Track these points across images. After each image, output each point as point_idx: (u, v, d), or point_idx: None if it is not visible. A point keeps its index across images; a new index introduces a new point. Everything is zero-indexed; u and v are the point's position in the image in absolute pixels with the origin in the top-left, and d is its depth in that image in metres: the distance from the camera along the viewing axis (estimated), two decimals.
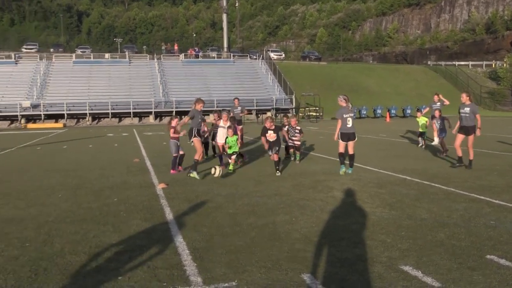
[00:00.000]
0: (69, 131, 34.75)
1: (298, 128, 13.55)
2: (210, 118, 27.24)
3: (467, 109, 11.75)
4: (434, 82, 58.73)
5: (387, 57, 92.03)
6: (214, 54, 61.94)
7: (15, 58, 51.00)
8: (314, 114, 44.12)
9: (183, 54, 58.33)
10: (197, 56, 59.51)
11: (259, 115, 44.60)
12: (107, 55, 56.28)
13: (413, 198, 8.35)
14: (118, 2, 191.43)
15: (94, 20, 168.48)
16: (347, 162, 11.39)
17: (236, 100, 19.25)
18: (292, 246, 5.69)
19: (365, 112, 45.78)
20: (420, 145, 17.13)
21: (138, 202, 8.45)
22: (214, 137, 14.31)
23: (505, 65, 62.74)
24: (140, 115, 45.09)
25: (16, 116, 41.46)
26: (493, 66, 67.62)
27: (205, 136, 12.63)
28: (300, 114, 45.11)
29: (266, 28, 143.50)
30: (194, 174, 10.94)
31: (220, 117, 14.07)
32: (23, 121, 41.80)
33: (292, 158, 13.76)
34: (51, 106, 43.07)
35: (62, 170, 12.93)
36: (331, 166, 12.57)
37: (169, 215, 7.39)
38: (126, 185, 10.32)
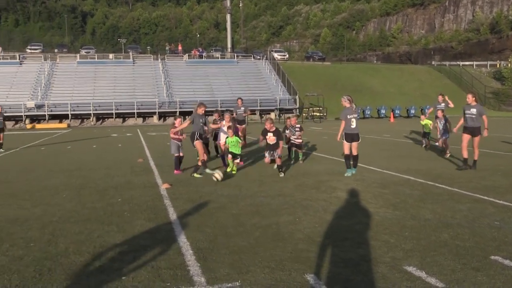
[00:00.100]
0: (73, 131, 34.83)
1: (298, 126, 13.46)
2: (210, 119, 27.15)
3: (473, 110, 11.57)
4: (438, 82, 58.58)
5: (391, 57, 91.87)
6: (218, 54, 61.92)
7: (19, 59, 51.18)
8: (318, 114, 44.07)
9: (187, 54, 58.39)
10: (201, 57, 59.55)
11: (262, 115, 44.58)
12: (111, 56, 56.35)
13: (417, 198, 8.33)
14: (122, 3, 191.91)
15: (98, 20, 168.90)
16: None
17: (240, 100, 19.27)
18: (296, 247, 5.69)
19: (369, 112, 45.71)
20: (424, 145, 17.09)
21: (142, 202, 8.47)
22: (216, 137, 14.32)
23: (509, 65, 62.54)
24: (144, 116, 45.15)
25: (21, 116, 41.59)
26: (498, 66, 67.38)
27: (207, 136, 12.58)
28: (304, 114, 45.09)
29: (270, 28, 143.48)
30: (208, 170, 11.36)
31: (220, 116, 14.12)
32: (27, 121, 41.94)
33: (292, 162, 13.40)
34: (55, 107, 43.21)
35: (66, 170, 12.97)
36: (335, 166, 12.57)
37: (173, 215, 7.40)
38: (130, 185, 10.34)
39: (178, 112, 42.95)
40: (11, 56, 53.35)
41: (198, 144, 11.46)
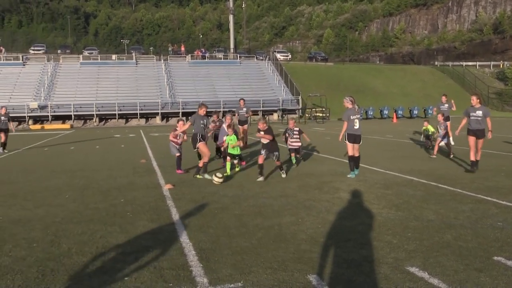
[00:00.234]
0: (76, 132, 34.90)
1: (297, 129, 13.26)
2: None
3: (479, 112, 11.32)
4: (441, 83, 58.49)
5: (394, 58, 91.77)
6: (220, 55, 61.98)
7: (22, 60, 51.32)
8: (321, 115, 44.04)
9: (189, 55, 58.42)
10: (203, 57, 59.59)
11: (265, 116, 44.57)
12: (114, 57, 56.44)
13: (420, 199, 8.32)
14: (125, 4, 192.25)
15: (101, 21, 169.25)
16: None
17: (242, 101, 19.29)
18: (298, 247, 5.69)
19: (371, 113, 45.65)
20: (428, 146, 17.06)
21: (145, 202, 8.48)
22: (216, 138, 14.31)
23: None
24: (147, 116, 45.20)
25: (24, 117, 41.69)
26: (501, 66, 67.21)
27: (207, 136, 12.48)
28: (307, 115, 45.07)
29: (273, 29, 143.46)
30: (207, 176, 10.99)
31: (218, 118, 14.14)
32: (30, 122, 42.06)
33: (294, 166, 13.03)
34: (58, 107, 43.29)
35: (69, 171, 12.99)
36: (337, 167, 12.56)
37: (176, 216, 7.41)
38: (133, 186, 10.36)
39: (180, 113, 43.04)
40: (14, 57, 53.48)
41: (201, 146, 11.40)
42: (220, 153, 14.32)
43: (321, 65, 63.25)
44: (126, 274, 4.92)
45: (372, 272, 4.85)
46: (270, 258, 5.33)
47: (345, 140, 11.08)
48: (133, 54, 57.27)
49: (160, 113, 44.88)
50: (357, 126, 10.93)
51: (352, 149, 11.06)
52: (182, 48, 69.46)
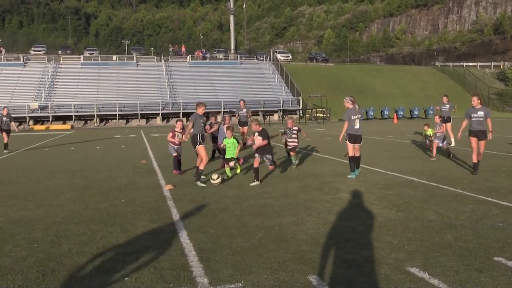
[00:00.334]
0: (77, 132, 34.92)
1: (295, 128, 13.01)
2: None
3: (480, 113, 11.15)
4: (442, 83, 58.47)
5: (395, 58, 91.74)
6: (221, 55, 61.99)
7: (23, 60, 51.38)
8: (321, 115, 44.04)
9: (190, 55, 58.44)
10: (204, 58, 59.61)
11: (266, 116, 44.58)
12: (114, 57, 56.47)
13: (421, 199, 8.32)
14: (125, 4, 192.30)
15: (102, 22, 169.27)
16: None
17: (242, 102, 19.30)
18: (299, 248, 5.69)
19: (372, 113, 45.66)
20: (427, 146, 17.06)
21: (145, 203, 8.48)
22: (214, 140, 14.24)
23: None
24: (147, 117, 45.23)
25: (25, 117, 41.71)
26: (501, 67, 67.18)
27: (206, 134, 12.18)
28: (307, 116, 45.08)
29: (273, 30, 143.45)
30: (200, 183, 10.33)
31: (216, 120, 14.00)
32: (31, 122, 42.09)
33: (294, 167, 12.79)
34: (59, 108, 43.34)
35: (69, 171, 13.00)
36: (338, 167, 12.56)
37: (176, 216, 7.41)
38: (133, 186, 10.36)
39: (181, 114, 43.08)
40: (15, 57, 53.55)
41: (201, 149, 10.74)
42: (219, 153, 14.26)
43: (321, 65, 63.25)
44: (127, 274, 4.92)
45: (373, 272, 4.85)
46: (271, 258, 5.33)
47: (346, 140, 11.06)
48: (134, 55, 57.27)
49: (160, 114, 44.91)
50: (357, 126, 10.91)
51: (352, 150, 11.03)
52: (183, 49, 69.50)
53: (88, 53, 64.22)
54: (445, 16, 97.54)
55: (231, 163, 11.21)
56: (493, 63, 69.46)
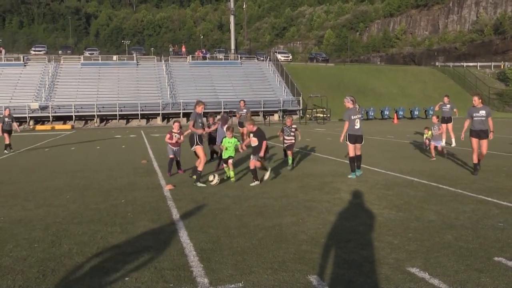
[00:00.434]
0: (77, 132, 34.92)
1: (294, 126, 13.04)
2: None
3: (482, 112, 11.04)
4: (442, 84, 58.48)
5: (395, 59, 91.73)
6: (221, 55, 62.03)
7: (23, 60, 51.40)
8: (321, 115, 44.04)
9: (190, 56, 58.46)
10: (204, 58, 59.64)
11: (266, 116, 44.59)
12: (115, 57, 56.49)
13: (421, 199, 8.32)
14: (126, 4, 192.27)
15: (102, 22, 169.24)
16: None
17: (242, 102, 19.30)
18: (299, 248, 5.69)
19: (372, 114, 45.66)
20: (427, 146, 17.06)
21: (146, 203, 8.48)
22: (211, 141, 14.13)
23: None
24: (147, 117, 45.25)
25: (25, 117, 41.72)
26: (502, 67, 67.17)
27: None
28: (307, 116, 45.08)
29: (274, 30, 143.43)
30: (200, 184, 10.28)
31: (214, 120, 13.85)
32: (31, 122, 42.09)
33: (289, 168, 12.58)
34: (59, 108, 43.35)
35: (70, 171, 13.01)
36: (338, 167, 12.56)
37: (176, 216, 7.41)
38: (134, 186, 10.36)
39: (181, 114, 43.09)
40: (15, 57, 53.59)
41: (198, 149, 10.66)
42: (217, 154, 14.12)
43: (322, 65, 63.27)
44: (127, 274, 4.92)
45: (373, 272, 4.85)
46: (271, 258, 5.33)
47: (346, 140, 11.03)
48: (134, 55, 57.31)
49: (161, 114, 44.93)
50: (358, 126, 10.89)
51: (353, 150, 11.01)
52: (183, 49, 69.55)
53: (89, 53, 64.28)
54: (445, 16, 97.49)
55: (230, 161, 10.79)
56: (493, 63, 69.44)
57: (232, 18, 61.65)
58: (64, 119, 43.36)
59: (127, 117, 44.90)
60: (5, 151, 18.77)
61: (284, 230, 6.51)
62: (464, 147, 16.66)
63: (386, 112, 46.73)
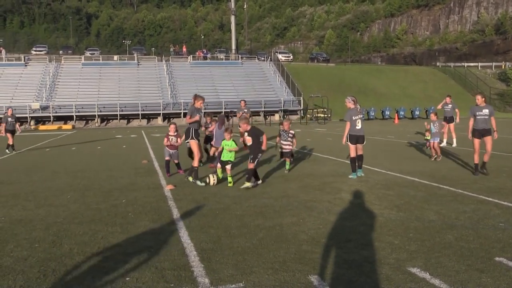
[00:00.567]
0: (78, 132, 34.94)
1: (292, 132, 12.42)
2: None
3: (485, 111, 10.95)
4: (443, 84, 58.45)
5: (396, 59, 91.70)
6: (222, 55, 62.07)
7: (24, 60, 51.42)
8: (322, 115, 44.03)
9: (191, 55, 58.47)
10: (205, 58, 59.66)
11: (267, 116, 44.59)
12: (116, 57, 56.49)
13: (421, 200, 8.31)
14: (127, 4, 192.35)
15: (103, 22, 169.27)
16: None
17: (243, 102, 19.31)
18: (300, 248, 5.69)
19: (373, 114, 45.64)
20: (427, 146, 17.04)
21: (146, 203, 8.48)
22: (207, 140, 14.07)
23: None
24: (148, 117, 45.26)
25: (26, 117, 41.74)
26: (503, 67, 67.12)
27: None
28: (308, 116, 45.06)
29: (274, 30, 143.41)
30: (198, 182, 10.26)
31: (211, 120, 13.71)
32: (32, 122, 42.11)
33: (286, 172, 12.15)
34: (60, 108, 43.38)
35: (70, 171, 13.01)
36: (339, 167, 12.55)
37: (177, 216, 7.41)
38: (134, 186, 10.36)
39: (182, 114, 43.07)
40: (16, 57, 53.62)
41: (193, 144, 10.59)
42: (208, 154, 13.91)
43: (322, 66, 63.27)
44: (128, 274, 4.92)
45: (374, 272, 4.85)
46: (271, 258, 5.33)
47: (348, 141, 10.97)
48: (135, 55, 57.34)
49: (161, 114, 44.93)
50: (359, 126, 10.85)
51: (354, 150, 10.99)
52: (184, 49, 69.60)
53: (89, 53, 64.31)
54: (446, 16, 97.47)
55: (228, 167, 10.44)
56: (494, 64, 69.40)
57: (233, 18, 61.65)
58: (65, 119, 43.37)
59: (128, 117, 44.91)
60: (7, 150, 18.77)
61: (285, 230, 6.51)
62: (465, 147, 16.66)
63: (387, 112, 46.71)
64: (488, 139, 10.94)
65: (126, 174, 12.21)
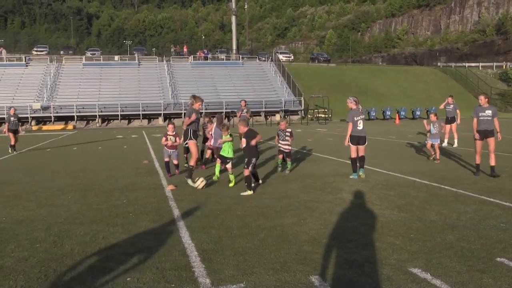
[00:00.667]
0: (79, 133, 34.95)
1: (289, 130, 12.22)
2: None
3: (488, 112, 10.85)
4: (443, 84, 58.42)
5: (397, 59, 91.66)
6: (223, 56, 62.07)
7: (25, 61, 51.46)
8: (323, 115, 44.06)
9: (192, 56, 58.50)
10: (206, 58, 59.69)
11: (268, 117, 44.59)
12: (116, 58, 56.52)
13: (422, 200, 8.31)
14: (127, 5, 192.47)
15: (104, 22, 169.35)
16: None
17: (243, 102, 19.30)
18: (301, 248, 5.69)
19: (374, 114, 45.65)
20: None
21: (147, 203, 8.48)
22: (204, 141, 14.04)
23: None
24: (149, 117, 45.29)
25: (27, 118, 41.76)
26: (504, 67, 67.05)
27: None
28: (309, 116, 45.08)
29: (275, 30, 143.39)
30: (190, 182, 10.14)
31: (209, 120, 13.71)
32: (33, 122, 42.13)
33: (280, 169, 12.22)
34: (61, 108, 43.42)
35: (71, 171, 13.01)
36: (340, 167, 12.55)
37: (178, 217, 7.41)
38: (135, 186, 10.36)
39: (183, 114, 43.05)
40: (17, 58, 53.67)
41: (191, 145, 10.60)
42: (201, 155, 13.73)
43: (323, 66, 63.26)
44: (129, 274, 4.92)
45: (375, 273, 4.85)
46: (273, 259, 5.33)
47: (350, 142, 10.92)
48: (136, 55, 57.36)
49: (162, 114, 44.95)
50: (360, 127, 10.82)
51: (355, 151, 10.98)
52: (185, 49, 69.62)
53: (90, 54, 64.36)
54: (447, 17, 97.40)
55: (228, 166, 10.32)
56: (495, 64, 69.38)
57: (233, 19, 61.63)
58: (66, 119, 43.40)
59: (129, 117, 44.94)
60: (10, 150, 18.75)
61: (286, 230, 6.50)
62: (466, 147, 16.65)
63: (388, 113, 46.72)
64: (491, 141, 10.80)
65: (127, 174, 12.22)
